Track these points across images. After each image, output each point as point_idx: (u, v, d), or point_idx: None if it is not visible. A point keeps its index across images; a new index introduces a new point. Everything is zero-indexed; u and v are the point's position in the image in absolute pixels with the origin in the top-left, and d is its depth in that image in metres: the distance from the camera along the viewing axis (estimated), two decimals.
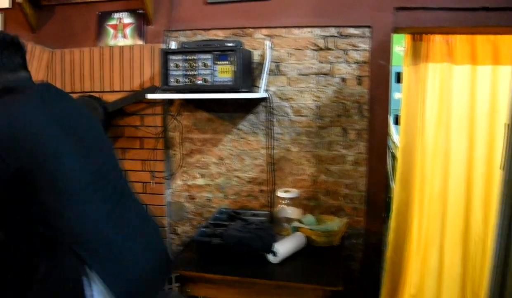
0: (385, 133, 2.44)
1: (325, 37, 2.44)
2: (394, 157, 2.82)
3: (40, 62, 2.87)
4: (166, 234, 2.78)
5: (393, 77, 2.76)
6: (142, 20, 2.69)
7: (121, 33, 2.74)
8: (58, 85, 2.78)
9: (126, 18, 2.73)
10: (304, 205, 2.52)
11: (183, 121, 2.69)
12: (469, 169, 2.64)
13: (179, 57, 2.30)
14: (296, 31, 2.47)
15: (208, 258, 2.07)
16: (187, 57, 2.29)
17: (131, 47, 2.69)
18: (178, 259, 2.14)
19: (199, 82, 2.29)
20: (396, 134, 2.87)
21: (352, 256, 2.52)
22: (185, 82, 2.31)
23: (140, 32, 2.70)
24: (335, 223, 2.29)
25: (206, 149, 2.68)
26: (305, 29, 2.45)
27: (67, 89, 2.76)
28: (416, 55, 2.60)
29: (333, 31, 2.43)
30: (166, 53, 2.33)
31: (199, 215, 2.74)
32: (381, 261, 2.57)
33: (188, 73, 2.30)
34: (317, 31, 2.44)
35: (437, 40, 2.58)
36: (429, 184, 2.70)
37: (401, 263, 2.74)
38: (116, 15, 2.73)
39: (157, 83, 2.59)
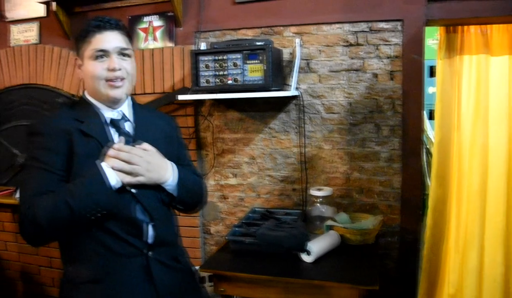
0: (420, 129, 2.38)
1: (355, 32, 2.41)
2: (429, 153, 2.75)
3: (75, 68, 2.96)
4: (199, 234, 2.81)
5: (426, 71, 2.69)
6: (172, 22, 2.72)
7: (151, 36, 2.78)
8: None
9: (156, 21, 2.77)
10: (338, 203, 2.49)
11: (214, 121, 2.71)
12: (509, 163, 2.54)
13: (209, 57, 2.32)
14: (325, 27, 2.44)
15: (241, 257, 2.07)
16: (217, 58, 2.30)
17: (161, 50, 2.73)
18: (211, 258, 2.15)
19: (230, 82, 2.29)
20: (430, 130, 2.80)
21: (388, 255, 2.47)
22: (216, 82, 2.32)
23: (170, 34, 2.73)
24: (369, 221, 2.26)
25: (238, 148, 2.69)
26: (335, 25, 2.42)
27: None
28: (450, 47, 2.52)
29: (363, 26, 2.39)
30: (196, 54, 2.35)
31: (232, 215, 2.75)
32: (417, 260, 2.50)
33: (218, 73, 2.31)
34: (347, 27, 2.41)
35: (472, 31, 2.49)
36: (467, 179, 2.62)
37: (439, 261, 2.67)
38: (146, 19, 2.78)
39: (188, 84, 2.62)
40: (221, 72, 2.30)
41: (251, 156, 2.67)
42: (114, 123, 1.40)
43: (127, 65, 1.39)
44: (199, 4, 2.64)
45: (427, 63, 2.51)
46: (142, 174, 1.31)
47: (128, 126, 1.43)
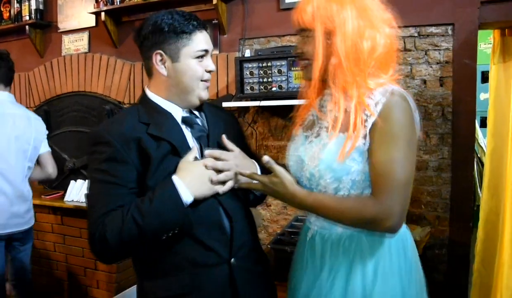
0: (471, 137, 2.29)
1: (403, 37, 2.35)
2: (480, 162, 2.64)
3: (121, 75, 3.04)
4: None
5: (478, 77, 2.59)
6: (217, 30, 2.75)
7: None
8: (138, 95, 2.91)
9: None
10: None
11: (258, 128, 2.70)
12: None
13: (254, 64, 2.32)
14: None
15: (284, 265, 2.04)
16: (262, 65, 2.30)
17: None
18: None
19: (274, 89, 2.29)
20: (482, 138, 2.68)
21: (436, 268, 2.37)
22: (260, 89, 2.32)
23: (215, 41, 2.76)
24: (416, 232, 2.18)
25: (282, 155, 2.67)
26: None
27: None
28: (506, 51, 2.41)
29: (412, 31, 2.33)
30: (241, 61, 2.36)
31: (275, 223, 2.73)
32: (467, 274, 2.39)
33: (263, 80, 2.31)
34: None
35: None
36: None
37: (491, 277, 2.54)
38: None
39: (232, 91, 2.64)
40: (265, 79, 2.30)
41: None
42: (187, 121, 1.32)
43: None
44: (243, 11, 2.66)
45: (479, 68, 2.41)
46: (232, 179, 1.26)
47: (200, 123, 1.36)
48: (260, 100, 2.36)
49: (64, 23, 3.32)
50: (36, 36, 3.38)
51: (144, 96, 1.35)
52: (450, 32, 2.26)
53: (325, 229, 1.27)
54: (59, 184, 3.36)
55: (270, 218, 2.74)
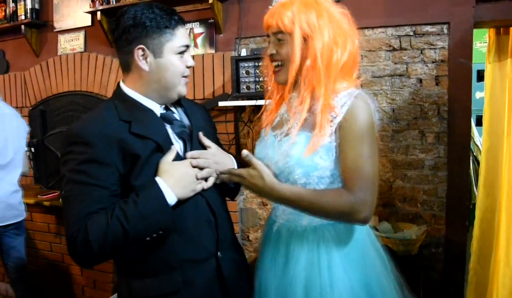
0: (467, 136, 2.29)
1: (399, 36, 2.35)
2: (476, 161, 2.64)
3: (117, 74, 3.03)
4: (239, 240, 2.80)
5: (473, 76, 2.59)
6: (213, 29, 2.74)
7: (192, 43, 2.81)
8: None
9: (197, 28, 2.80)
10: (380, 212, 2.43)
11: (254, 127, 2.70)
12: None
13: (250, 64, 2.32)
14: (368, 32, 2.40)
15: None
16: (258, 64, 2.31)
17: (202, 56, 2.75)
18: (250, 265, 2.14)
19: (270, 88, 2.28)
20: (478, 137, 2.69)
21: (432, 266, 2.38)
22: (256, 88, 2.32)
23: (211, 41, 2.76)
24: (413, 231, 2.19)
25: None
26: (378, 30, 2.37)
27: None
28: (501, 50, 2.42)
29: (407, 30, 2.33)
30: (237, 61, 2.36)
31: None
32: (464, 273, 2.40)
33: (259, 79, 2.31)
34: (391, 31, 2.35)
35: None
36: None
37: (487, 275, 2.55)
38: (188, 25, 2.81)
39: (229, 90, 2.63)
40: (261, 78, 2.30)
41: None
42: (165, 117, 1.31)
43: None
44: (239, 10, 2.65)
45: (474, 67, 2.40)
46: (213, 176, 1.29)
47: (178, 118, 1.35)
48: (256, 99, 2.36)
49: (60, 23, 3.31)
50: (32, 35, 3.36)
51: (120, 91, 1.30)
52: (445, 31, 2.26)
53: (290, 222, 1.35)
54: (55, 184, 3.35)
55: (266, 217, 2.73)
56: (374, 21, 2.37)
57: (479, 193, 2.53)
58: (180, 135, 1.31)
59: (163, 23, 1.22)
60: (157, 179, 1.17)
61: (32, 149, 3.27)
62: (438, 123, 2.31)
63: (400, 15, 2.33)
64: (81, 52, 3.21)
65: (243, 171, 1.27)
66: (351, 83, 1.29)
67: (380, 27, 2.37)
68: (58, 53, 3.32)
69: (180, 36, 1.25)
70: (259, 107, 2.63)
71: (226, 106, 2.56)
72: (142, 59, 1.23)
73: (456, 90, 2.26)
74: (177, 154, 1.25)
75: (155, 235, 1.16)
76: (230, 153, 1.44)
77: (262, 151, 1.39)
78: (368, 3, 2.37)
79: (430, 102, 2.32)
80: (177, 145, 1.28)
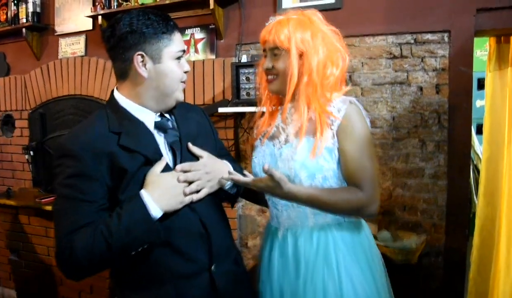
0: (467, 145, 2.28)
1: (399, 44, 2.34)
2: (476, 169, 2.63)
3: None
4: (237, 247, 2.79)
5: (474, 84, 2.58)
6: (213, 34, 2.74)
7: (193, 48, 2.81)
8: None
9: (198, 34, 2.80)
10: (379, 220, 2.41)
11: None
12: None
13: (250, 70, 2.32)
14: (369, 39, 2.39)
15: None
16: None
17: (202, 62, 2.75)
18: (249, 273, 2.12)
19: None
20: (478, 145, 2.68)
21: (432, 276, 2.36)
22: (256, 95, 2.30)
23: (211, 46, 2.75)
24: (412, 240, 2.17)
25: None
26: (379, 37, 2.37)
27: None
28: (502, 59, 2.42)
29: (408, 38, 2.32)
30: (237, 67, 2.35)
31: None
32: (464, 282, 2.38)
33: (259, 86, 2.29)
34: (391, 38, 2.35)
35: None
36: None
37: (487, 284, 2.53)
38: (188, 31, 2.81)
39: (229, 96, 2.62)
40: None
41: None
42: (160, 126, 1.29)
43: None
44: (240, 16, 2.65)
45: (475, 76, 2.40)
46: (204, 186, 1.26)
47: (171, 126, 1.33)
48: (256, 106, 2.34)
49: (61, 26, 3.31)
50: (33, 38, 3.36)
51: (113, 100, 1.28)
52: (446, 39, 2.26)
53: (296, 225, 1.40)
54: (54, 188, 3.33)
55: (265, 224, 2.71)
56: (374, 28, 2.37)
57: (479, 202, 2.52)
58: (172, 146, 1.29)
59: (160, 29, 1.22)
60: (142, 191, 1.16)
61: (31, 152, 3.26)
62: (439, 131, 2.30)
63: (401, 22, 2.32)
64: (82, 56, 3.21)
65: (260, 184, 1.28)
66: (340, 93, 1.40)
67: (380, 34, 2.36)
68: (59, 57, 3.32)
69: (177, 41, 1.26)
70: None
71: (226, 113, 2.55)
72: (141, 65, 1.21)
73: (457, 98, 2.25)
74: (167, 166, 1.24)
75: (140, 248, 1.15)
76: (227, 158, 1.43)
77: (261, 161, 1.44)
78: (368, 11, 2.37)
79: (430, 111, 2.31)
80: (167, 157, 1.27)
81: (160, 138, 1.28)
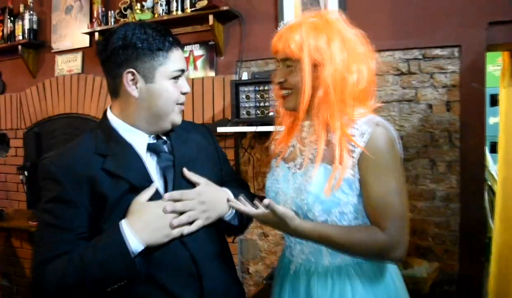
0: (481, 165, 2.17)
1: (407, 60, 2.25)
2: (492, 191, 2.50)
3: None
4: (238, 273, 2.66)
5: (487, 100, 2.47)
6: (213, 51, 2.66)
7: (192, 65, 2.72)
8: None
9: (197, 50, 2.71)
10: None
11: (255, 154, 2.59)
12: None
13: (250, 88, 2.23)
14: (375, 55, 2.28)
15: None
16: (259, 88, 2.21)
17: (202, 80, 2.66)
18: None
19: (272, 113, 2.17)
20: (493, 165, 2.56)
21: None
22: (257, 114, 2.22)
23: (211, 63, 2.66)
24: (423, 268, 2.05)
25: None
26: (385, 53, 2.27)
27: None
28: None
29: (416, 53, 2.23)
30: (237, 85, 2.26)
31: (273, 254, 2.59)
32: None
33: (259, 104, 2.22)
34: (399, 54, 2.25)
35: None
36: None
37: None
38: (187, 48, 2.73)
39: (228, 115, 2.53)
40: (262, 104, 2.21)
41: None
42: (153, 149, 1.18)
43: None
44: (241, 32, 2.57)
45: (487, 92, 2.30)
46: (198, 218, 1.13)
47: (166, 150, 1.21)
48: (257, 125, 2.24)
49: (57, 43, 3.24)
50: (29, 56, 3.30)
51: (104, 119, 1.20)
52: (456, 54, 2.16)
53: (310, 262, 1.22)
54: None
55: (267, 249, 2.60)
56: (381, 43, 2.23)
57: (496, 227, 2.39)
58: (164, 171, 1.17)
59: (155, 44, 1.12)
60: (122, 222, 1.05)
61: (26, 172, 3.16)
62: (450, 151, 2.19)
63: (409, 37, 2.23)
64: (78, 74, 3.14)
65: (265, 219, 1.13)
66: (368, 109, 1.18)
67: (387, 50, 2.27)
68: (55, 74, 3.25)
69: (174, 59, 1.15)
70: (260, 133, 2.52)
71: (226, 133, 2.45)
72: (131, 84, 1.12)
73: (469, 116, 2.15)
74: (157, 193, 1.12)
75: (116, 285, 1.03)
76: (230, 185, 1.28)
77: (274, 185, 1.27)
78: (375, 25, 2.27)
79: (441, 129, 2.20)
80: (158, 184, 1.15)
81: (152, 163, 1.17)
